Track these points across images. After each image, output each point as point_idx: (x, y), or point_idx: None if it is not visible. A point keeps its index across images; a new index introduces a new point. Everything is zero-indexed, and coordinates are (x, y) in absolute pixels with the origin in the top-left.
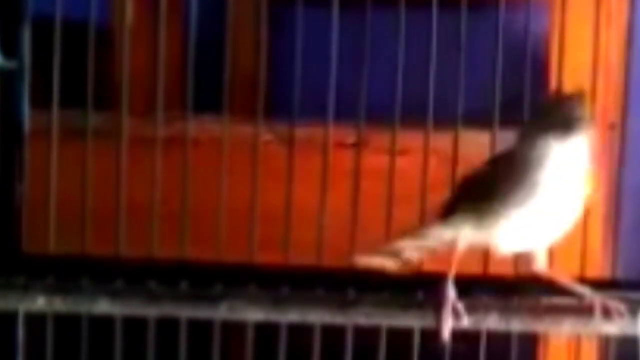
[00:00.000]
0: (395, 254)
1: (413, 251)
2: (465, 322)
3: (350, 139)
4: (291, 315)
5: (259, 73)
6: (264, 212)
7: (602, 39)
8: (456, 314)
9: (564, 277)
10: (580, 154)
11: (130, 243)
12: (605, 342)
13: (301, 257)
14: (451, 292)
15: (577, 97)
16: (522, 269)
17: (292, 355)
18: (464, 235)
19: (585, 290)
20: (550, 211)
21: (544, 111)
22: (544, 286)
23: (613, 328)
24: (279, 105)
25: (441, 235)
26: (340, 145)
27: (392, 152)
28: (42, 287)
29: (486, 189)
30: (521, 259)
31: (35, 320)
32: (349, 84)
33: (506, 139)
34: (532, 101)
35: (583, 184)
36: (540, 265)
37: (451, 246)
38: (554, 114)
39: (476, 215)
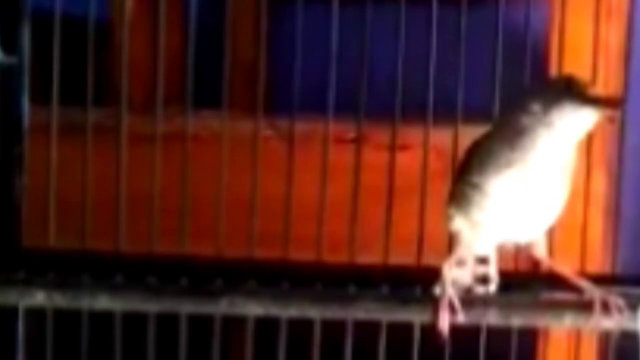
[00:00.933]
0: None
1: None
2: (461, 318)
3: (350, 134)
4: (291, 311)
5: (259, 68)
6: (263, 208)
7: (602, 34)
8: (452, 310)
9: (565, 267)
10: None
11: (130, 238)
12: (605, 337)
13: (301, 252)
14: (448, 287)
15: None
16: (522, 263)
17: (292, 350)
18: (459, 224)
19: (584, 283)
20: (533, 183)
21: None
22: (544, 281)
23: (613, 323)
24: (279, 101)
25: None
26: (340, 140)
27: (392, 148)
28: (42, 283)
29: (465, 166)
30: (521, 250)
31: (36, 316)
32: (349, 79)
33: None
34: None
35: (571, 162)
36: (540, 252)
37: None
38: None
39: (462, 197)
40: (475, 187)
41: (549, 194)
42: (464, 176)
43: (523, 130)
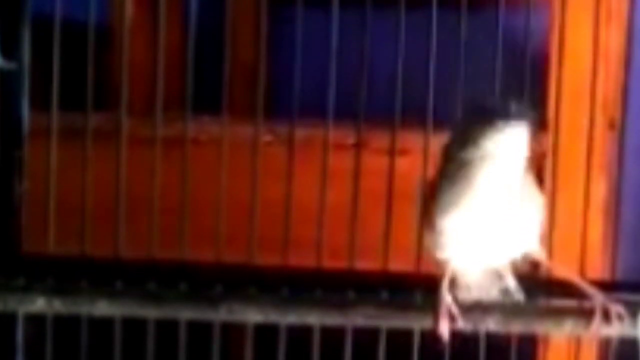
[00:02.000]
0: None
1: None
2: (461, 325)
3: (350, 139)
4: (291, 317)
5: (259, 72)
6: (263, 213)
7: (602, 37)
8: (451, 317)
9: (570, 272)
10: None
11: (130, 244)
12: (605, 343)
13: (301, 258)
14: (446, 295)
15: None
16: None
17: (292, 356)
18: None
19: (587, 287)
20: (483, 214)
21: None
22: (544, 287)
23: (613, 330)
24: (279, 106)
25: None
26: (340, 145)
27: (392, 153)
28: (42, 289)
29: (426, 204)
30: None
31: (35, 322)
32: (349, 83)
33: None
34: (532, 101)
35: (533, 186)
36: (539, 257)
37: None
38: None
39: (426, 236)
40: (433, 227)
41: (510, 217)
42: (425, 215)
43: (461, 165)
